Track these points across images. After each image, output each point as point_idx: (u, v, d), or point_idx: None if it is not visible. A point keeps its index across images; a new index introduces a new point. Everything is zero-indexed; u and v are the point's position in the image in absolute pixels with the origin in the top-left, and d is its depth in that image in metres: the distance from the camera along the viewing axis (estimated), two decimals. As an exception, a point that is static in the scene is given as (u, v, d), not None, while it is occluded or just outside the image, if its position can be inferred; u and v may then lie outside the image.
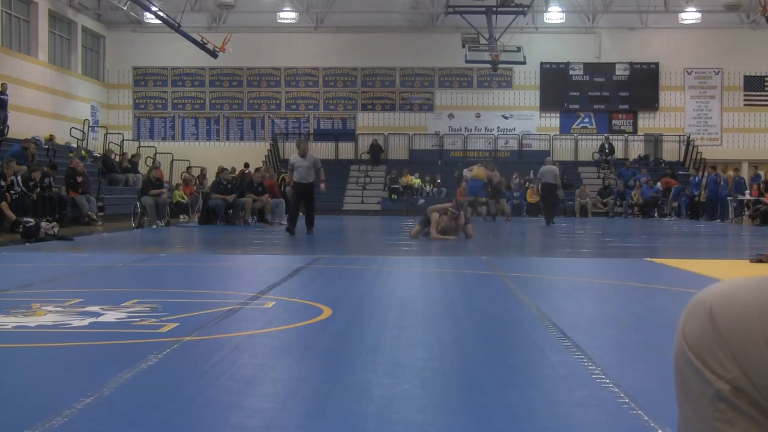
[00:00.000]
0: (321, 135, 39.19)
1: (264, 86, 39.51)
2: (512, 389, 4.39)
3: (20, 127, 27.71)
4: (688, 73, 38.05)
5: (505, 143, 38.80)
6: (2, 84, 27.88)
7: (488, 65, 34.41)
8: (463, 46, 33.51)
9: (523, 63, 33.96)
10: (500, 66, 34.36)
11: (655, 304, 7.63)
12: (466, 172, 29.04)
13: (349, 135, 39.31)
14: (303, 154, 18.70)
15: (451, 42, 35.89)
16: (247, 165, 31.12)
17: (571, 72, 38.46)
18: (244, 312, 6.96)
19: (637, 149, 38.19)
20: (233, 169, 29.23)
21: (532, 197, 32.79)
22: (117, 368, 4.51)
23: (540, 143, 38.44)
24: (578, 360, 5.05)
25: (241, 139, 39.27)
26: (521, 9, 31.98)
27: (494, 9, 32.04)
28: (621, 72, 37.75)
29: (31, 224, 16.22)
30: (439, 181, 36.20)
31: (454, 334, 6.11)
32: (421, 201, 34.63)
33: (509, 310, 6.98)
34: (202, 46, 33.07)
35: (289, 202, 18.35)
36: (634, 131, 38.10)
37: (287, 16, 38.64)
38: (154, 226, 21.97)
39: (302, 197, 18.76)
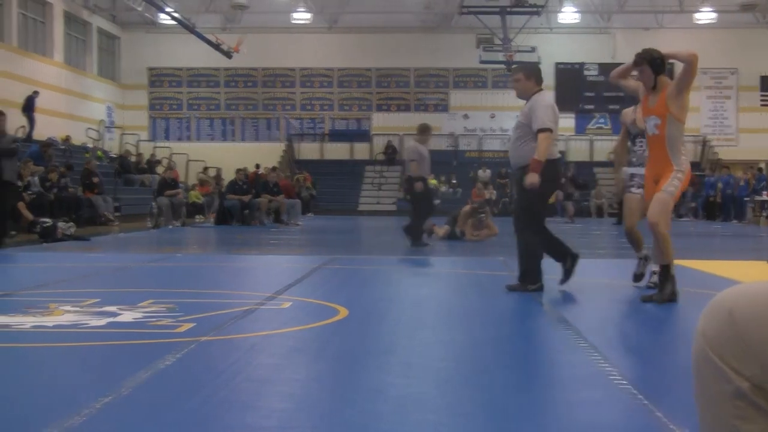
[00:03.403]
0: (336, 136, 39.23)
1: (279, 87, 39.57)
2: (528, 390, 4.38)
3: (37, 128, 27.83)
4: (704, 74, 37.89)
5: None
6: (34, 91, 28.05)
7: (503, 66, 34.37)
8: (478, 47, 33.52)
9: (538, 63, 33.91)
10: (515, 66, 34.33)
11: (673, 305, 7.61)
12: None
13: (364, 135, 39.33)
14: (425, 142, 15.02)
15: (465, 42, 35.88)
16: (258, 166, 31.17)
17: (586, 72, 38.37)
18: (261, 312, 6.97)
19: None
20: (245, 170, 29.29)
21: (552, 198, 32.73)
22: (134, 368, 4.53)
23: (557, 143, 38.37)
24: (595, 361, 5.04)
25: (257, 139, 39.34)
26: (535, 9, 31.95)
27: (508, 9, 32.02)
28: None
29: (48, 224, 16.29)
30: (454, 181, 36.16)
31: (470, 334, 6.11)
32: (437, 201, 34.57)
33: (525, 311, 6.97)
34: (216, 46, 33.14)
35: (419, 204, 14.85)
36: (650, 132, 37.92)
37: (301, 16, 38.68)
38: (170, 227, 22.02)
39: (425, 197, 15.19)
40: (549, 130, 8.05)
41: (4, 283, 9.88)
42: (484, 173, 35.45)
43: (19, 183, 18.40)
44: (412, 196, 14.63)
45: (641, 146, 8.30)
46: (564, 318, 6.65)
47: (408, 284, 8.54)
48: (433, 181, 36.03)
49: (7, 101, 27.64)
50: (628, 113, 8.69)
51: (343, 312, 6.80)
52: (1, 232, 13.77)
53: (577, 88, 38.32)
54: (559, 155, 8.54)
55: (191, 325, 6.02)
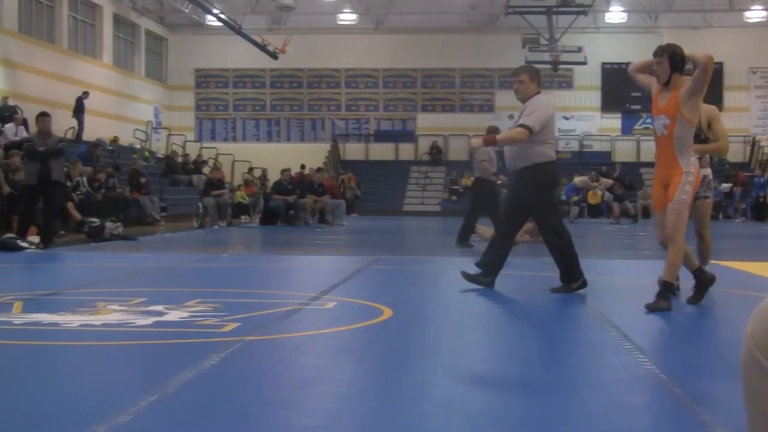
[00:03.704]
0: (381, 136, 39.27)
1: (324, 87, 39.70)
2: (571, 392, 4.36)
3: (86, 129, 28.17)
4: (753, 73, 37.45)
5: (566, 144, 38.54)
6: (84, 92, 28.42)
7: (549, 66, 34.17)
8: (523, 47, 33.33)
9: (584, 63, 33.71)
10: (561, 66, 34.13)
11: (720, 307, 7.53)
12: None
13: (409, 136, 39.33)
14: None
15: (511, 42, 35.71)
16: (303, 166, 31.29)
17: (633, 72, 38.04)
18: (305, 312, 7.00)
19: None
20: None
21: (593, 198, 32.47)
22: (180, 367, 4.57)
23: (601, 144, 38.12)
24: (640, 363, 5.00)
25: (302, 140, 39.49)
26: (582, 9, 31.73)
27: (555, 9, 31.83)
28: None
29: (95, 224, 16.47)
30: (499, 182, 35.97)
31: (514, 335, 6.09)
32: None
33: (569, 312, 6.93)
34: (262, 47, 33.32)
35: (481, 205, 14.92)
36: (698, 132, 37.54)
37: (347, 17, 38.78)
38: (216, 227, 22.17)
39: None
40: (528, 129, 8.10)
41: (53, 282, 10.01)
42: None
43: (68, 183, 18.64)
44: (476, 196, 14.62)
45: None
46: (608, 319, 6.60)
47: (452, 285, 8.52)
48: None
49: (57, 103, 28.04)
50: None
51: (388, 312, 6.81)
52: (49, 232, 13.93)
53: (624, 88, 37.94)
54: (555, 158, 8.52)
55: (236, 324, 6.06)
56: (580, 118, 38.38)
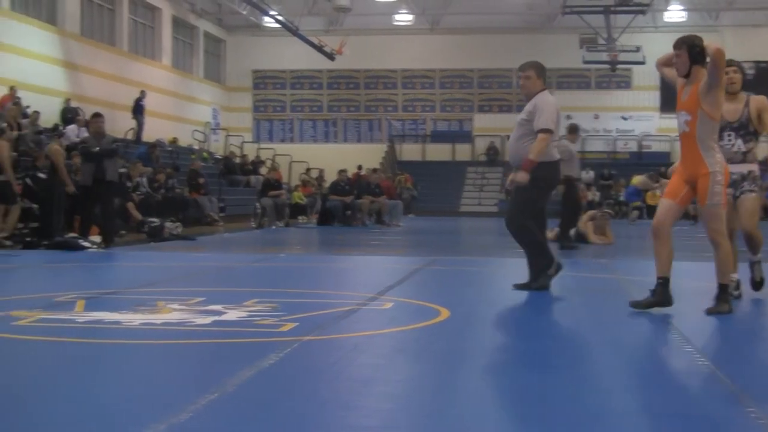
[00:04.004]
0: (437, 137, 39.22)
1: (380, 88, 39.76)
2: (634, 393, 4.32)
3: (145, 129, 28.52)
4: (820, 71, 36.73)
5: (624, 145, 38.16)
6: (141, 91, 28.79)
7: (606, 66, 33.88)
8: (581, 47, 33.09)
9: (643, 63, 33.28)
10: (619, 66, 33.78)
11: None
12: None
13: (466, 137, 39.24)
14: (575, 141, 15.47)
15: (568, 42, 35.45)
16: (359, 167, 31.36)
17: (693, 71, 37.54)
18: (363, 312, 7.01)
19: (764, 150, 36.98)
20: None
21: (653, 200, 32.07)
22: (238, 366, 4.60)
23: (660, 145, 37.66)
24: (700, 366, 4.93)
25: (358, 140, 39.59)
26: (641, 8, 31.38)
27: (613, 8, 31.51)
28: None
29: (155, 224, 16.67)
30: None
31: (574, 336, 6.05)
32: (539, 202, 34.26)
33: (629, 314, 6.86)
34: (319, 49, 33.46)
35: (568, 206, 14.84)
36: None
37: (403, 18, 38.79)
38: (274, 227, 22.31)
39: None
40: (550, 131, 8.17)
41: (114, 281, 10.15)
42: (587, 174, 34.96)
43: (128, 184, 18.90)
44: (564, 196, 14.48)
45: (729, 141, 7.76)
46: (670, 321, 6.53)
47: (509, 285, 8.48)
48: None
49: (117, 104, 28.45)
50: None
51: (445, 313, 6.80)
52: (109, 232, 14.10)
53: (685, 87, 37.48)
54: (558, 157, 8.51)
55: (294, 324, 6.09)
56: (639, 119, 37.96)
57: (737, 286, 7.70)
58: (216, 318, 6.37)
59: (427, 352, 5.43)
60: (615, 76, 36.94)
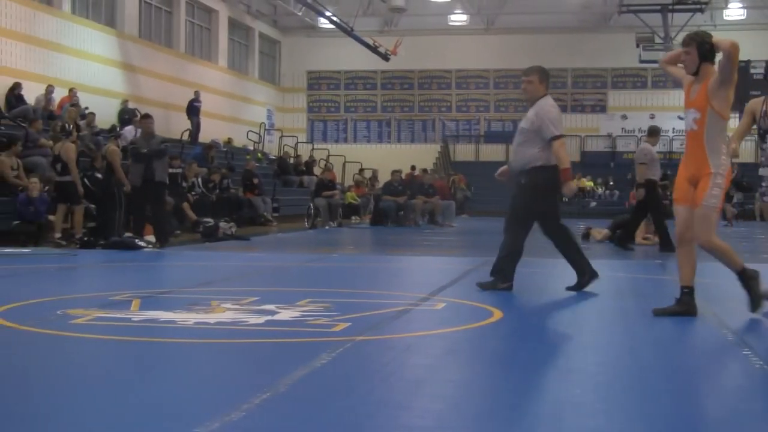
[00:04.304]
0: (491, 137, 39.06)
1: (435, 88, 39.72)
2: (688, 397, 4.26)
3: (201, 130, 28.78)
4: None
5: (681, 145, 37.60)
6: (195, 91, 29.08)
7: (664, 65, 33.45)
8: (637, 46, 32.74)
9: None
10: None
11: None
12: None
13: (520, 137, 39.01)
14: (655, 144, 15.35)
15: (624, 42, 35.10)
16: (413, 167, 31.33)
17: (752, 71, 36.89)
18: (415, 313, 7.00)
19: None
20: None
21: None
22: (291, 365, 4.62)
23: (718, 144, 37.14)
24: (759, 369, 4.85)
25: (412, 141, 39.58)
26: (699, 6, 30.99)
27: (670, 7, 31.16)
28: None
29: (210, 224, 16.81)
30: (611, 183, 35.50)
31: (627, 338, 5.98)
32: (593, 204, 34.07)
33: (684, 316, 6.76)
34: (374, 49, 33.49)
35: (644, 208, 14.61)
36: (822, 131, 36.25)
37: (458, 18, 38.73)
38: (327, 227, 22.38)
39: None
40: (561, 136, 8.21)
41: (169, 280, 10.26)
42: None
43: (184, 184, 19.08)
44: (646, 198, 14.32)
45: None
46: (724, 323, 6.43)
47: (562, 287, 8.42)
48: (588, 183, 35.57)
49: (174, 105, 28.78)
50: (758, 103, 7.83)
51: (498, 314, 6.77)
52: (162, 232, 14.22)
53: (743, 87, 36.70)
54: (549, 162, 8.38)
55: (347, 324, 6.10)
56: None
57: None
58: (269, 318, 6.40)
59: (480, 353, 5.41)
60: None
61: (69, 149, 14.84)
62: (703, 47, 6.60)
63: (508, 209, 8.77)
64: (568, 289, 8.29)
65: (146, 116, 15.28)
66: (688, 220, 6.68)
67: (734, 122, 7.80)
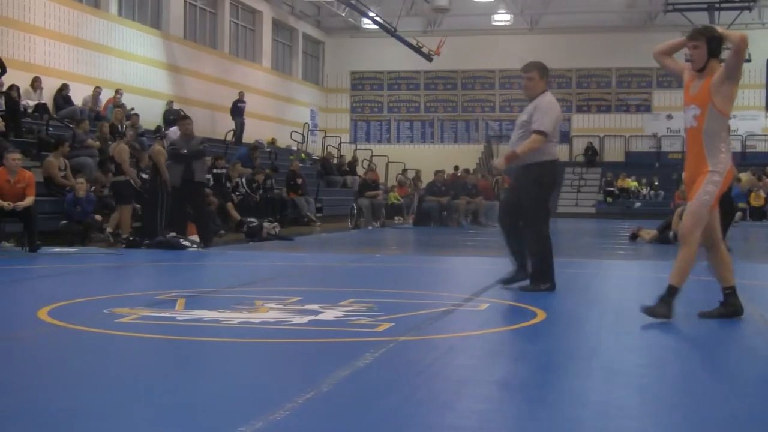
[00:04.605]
0: (535, 137, 38.84)
1: (478, 89, 39.62)
2: (735, 400, 4.21)
3: (245, 131, 28.95)
4: None
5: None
6: (240, 92, 29.27)
7: (710, 64, 33.07)
8: (683, 45, 32.37)
9: (748, 61, 32.37)
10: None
11: None
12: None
13: (564, 137, 38.75)
14: None
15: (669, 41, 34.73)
16: (456, 168, 31.27)
17: (802, 71, 36.46)
18: (458, 313, 7.00)
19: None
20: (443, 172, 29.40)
21: (756, 200, 31.29)
22: (335, 365, 4.64)
23: (766, 144, 36.69)
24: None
25: (455, 141, 39.52)
26: (747, 4, 30.62)
27: (717, 5, 30.81)
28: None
29: (254, 224, 16.90)
30: (656, 183, 35.20)
31: (672, 340, 5.93)
32: (638, 204, 33.80)
33: (730, 317, 6.68)
34: (417, 50, 33.47)
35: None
36: None
37: (502, 18, 38.60)
38: (370, 227, 22.41)
39: None
40: (545, 134, 8.12)
41: (213, 280, 10.33)
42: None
43: (228, 184, 19.21)
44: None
45: None
46: (774, 327, 6.36)
47: (607, 288, 8.38)
48: (633, 183, 35.29)
49: (219, 106, 28.99)
50: None
51: (541, 315, 6.74)
52: (205, 231, 14.29)
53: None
54: (557, 156, 8.46)
55: (390, 324, 6.10)
56: (743, 118, 36.99)
57: None
58: (312, 317, 6.43)
59: (523, 354, 5.39)
60: (719, 74, 36.05)
61: (122, 150, 15.12)
62: (712, 42, 6.41)
63: (506, 208, 8.76)
64: (502, 282, 8.49)
65: (184, 117, 15.40)
66: (708, 223, 6.46)
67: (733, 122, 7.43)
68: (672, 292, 6.40)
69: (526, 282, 8.36)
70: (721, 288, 6.64)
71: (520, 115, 8.53)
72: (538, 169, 8.23)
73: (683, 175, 6.73)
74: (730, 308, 6.58)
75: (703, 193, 6.31)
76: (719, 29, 6.51)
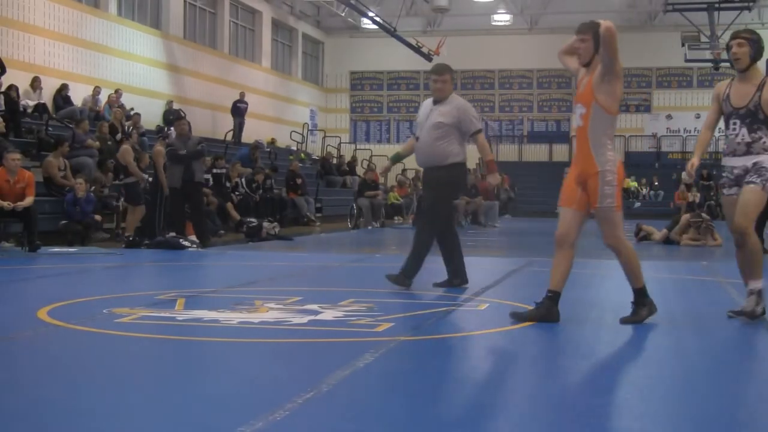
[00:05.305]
0: (535, 137, 38.91)
1: (478, 88, 39.61)
2: (736, 400, 4.21)
3: (245, 131, 28.96)
4: None
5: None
6: (240, 93, 29.27)
7: (709, 64, 33.12)
8: (683, 45, 32.42)
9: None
10: (722, 65, 33.02)
11: None
12: None
13: (564, 137, 38.82)
14: None
15: (669, 41, 34.80)
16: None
17: (803, 70, 36.48)
18: (458, 313, 7.00)
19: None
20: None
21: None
22: (335, 365, 4.64)
23: (765, 145, 36.68)
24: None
25: (455, 141, 39.45)
26: (746, 4, 30.60)
27: (717, 5, 30.80)
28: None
29: (254, 224, 16.89)
30: (656, 183, 35.20)
31: (673, 341, 5.93)
32: (637, 204, 33.79)
33: (730, 317, 6.68)
34: (417, 49, 33.48)
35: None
36: None
37: (501, 18, 38.59)
38: (370, 227, 22.41)
39: None
40: (481, 130, 8.65)
41: (213, 279, 10.33)
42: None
43: (227, 184, 19.20)
44: None
45: (734, 130, 6.64)
46: (774, 327, 6.36)
47: (608, 288, 8.37)
48: (633, 183, 35.29)
49: (218, 106, 28.99)
50: (723, 86, 6.90)
51: (541, 315, 6.72)
52: (203, 232, 14.28)
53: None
54: (464, 159, 8.61)
55: (390, 324, 6.11)
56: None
57: (758, 300, 6.53)
58: (312, 317, 6.43)
59: (523, 354, 5.39)
60: (718, 74, 35.95)
61: (126, 152, 15.14)
62: (599, 36, 6.17)
63: (422, 211, 9.05)
64: (436, 285, 8.65)
65: (180, 118, 15.41)
66: (570, 222, 6.45)
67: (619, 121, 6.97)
68: (640, 293, 6.37)
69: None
70: (548, 289, 6.48)
71: (428, 117, 8.55)
72: (452, 170, 8.47)
73: (569, 171, 6.59)
74: (544, 311, 6.36)
75: (603, 199, 6.20)
76: (601, 21, 6.20)
